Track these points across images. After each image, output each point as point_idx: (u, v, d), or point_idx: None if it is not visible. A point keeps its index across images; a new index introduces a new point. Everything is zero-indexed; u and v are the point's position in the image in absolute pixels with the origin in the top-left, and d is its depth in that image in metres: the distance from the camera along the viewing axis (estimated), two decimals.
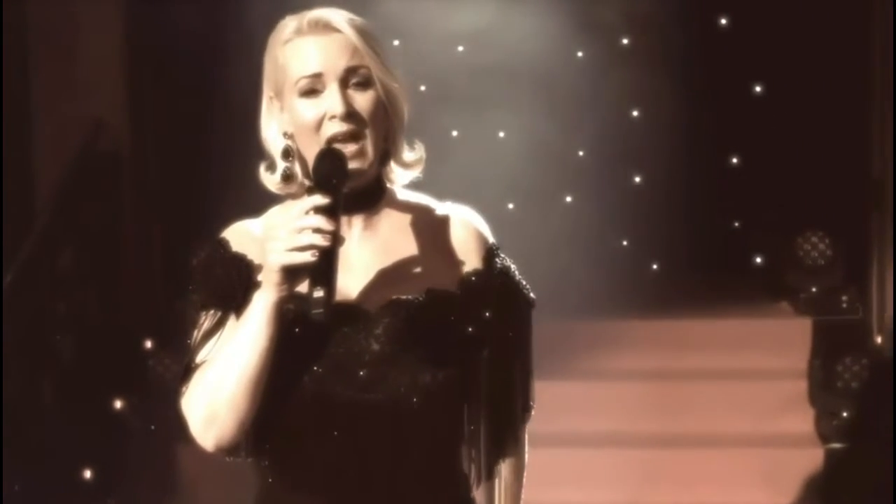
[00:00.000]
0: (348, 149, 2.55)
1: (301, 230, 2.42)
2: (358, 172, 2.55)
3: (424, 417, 2.54)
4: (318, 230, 2.42)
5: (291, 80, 2.55)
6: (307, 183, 2.58)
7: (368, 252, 2.60)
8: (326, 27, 2.57)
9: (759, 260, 6.70)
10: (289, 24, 2.59)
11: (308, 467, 2.55)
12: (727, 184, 6.90)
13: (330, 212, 2.45)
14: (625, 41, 6.98)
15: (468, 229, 2.68)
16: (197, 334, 2.56)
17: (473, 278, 2.62)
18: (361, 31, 2.60)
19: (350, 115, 2.54)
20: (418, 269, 2.59)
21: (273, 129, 2.61)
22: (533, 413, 2.69)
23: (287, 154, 2.58)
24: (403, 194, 2.68)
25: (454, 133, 6.75)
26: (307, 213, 2.44)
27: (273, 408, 2.53)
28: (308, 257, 2.41)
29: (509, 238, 6.63)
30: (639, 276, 6.89)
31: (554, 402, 5.95)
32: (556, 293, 6.26)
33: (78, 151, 6.02)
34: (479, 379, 2.62)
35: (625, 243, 7.03)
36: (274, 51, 2.58)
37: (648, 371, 6.19)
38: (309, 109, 2.54)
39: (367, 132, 2.56)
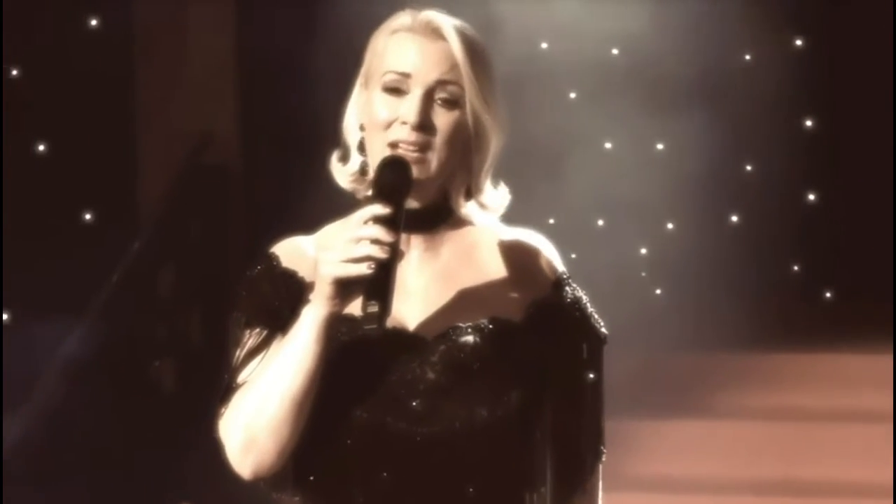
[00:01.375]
0: (410, 156, 2.46)
1: (358, 240, 2.35)
2: (416, 183, 2.46)
3: (481, 454, 2.44)
4: (376, 241, 2.35)
5: (381, 70, 2.48)
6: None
7: (427, 276, 2.51)
8: (435, 32, 2.49)
9: None
10: (402, 17, 2.51)
11: (354, 502, 2.45)
12: None
13: (390, 223, 2.38)
14: (798, 42, 6.54)
15: (536, 256, 2.56)
16: (239, 353, 2.47)
17: (540, 308, 2.51)
18: (470, 49, 2.49)
19: (423, 126, 2.46)
20: (480, 296, 2.50)
21: (353, 119, 2.54)
22: (605, 458, 2.54)
23: (364, 147, 2.51)
24: (468, 217, 2.57)
25: (607, 145, 6.40)
26: (366, 223, 2.36)
27: (319, 437, 2.44)
28: (364, 269, 2.34)
29: (668, 260, 6.34)
30: (810, 304, 6.48)
31: (698, 444, 5.67)
32: (717, 321, 5.91)
33: (184, 165, 5.96)
34: (542, 417, 2.50)
35: (795, 268, 6.60)
36: (379, 38, 2.51)
37: (812, 410, 5.79)
38: (385, 107, 2.47)
39: (436, 146, 2.46)
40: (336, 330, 2.40)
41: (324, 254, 2.37)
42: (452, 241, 2.53)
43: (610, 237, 6.18)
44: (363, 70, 2.52)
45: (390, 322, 2.37)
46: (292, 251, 2.52)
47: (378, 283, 2.34)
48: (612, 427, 2.60)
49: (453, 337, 2.45)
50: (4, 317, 5.46)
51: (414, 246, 2.50)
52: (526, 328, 2.48)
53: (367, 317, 2.33)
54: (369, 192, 2.48)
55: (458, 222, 2.54)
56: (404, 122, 2.45)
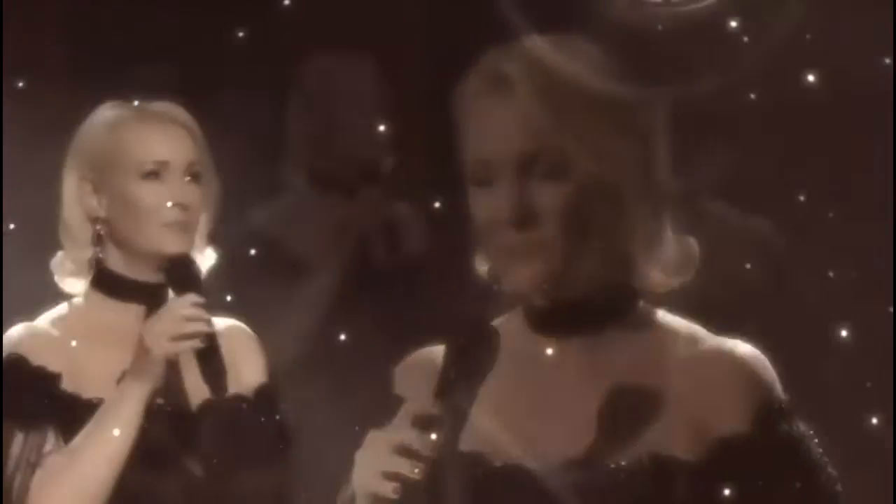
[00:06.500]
0: (526, 270, 2.09)
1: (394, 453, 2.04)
2: (545, 284, 2.12)
3: None
4: (413, 456, 2.05)
5: (470, 160, 2.15)
6: None
7: (568, 392, 2.16)
8: (501, 84, 2.10)
9: None
10: (471, 78, 2.16)
11: None
12: None
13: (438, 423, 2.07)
14: None
15: (738, 375, 2.12)
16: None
17: (732, 447, 2.09)
18: (541, 91, 2.08)
19: (528, 219, 2.10)
20: (643, 424, 2.11)
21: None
22: None
23: None
24: (654, 315, 2.20)
25: None
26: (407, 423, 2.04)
27: None
28: (390, 492, 2.03)
29: None
30: None
31: None
32: None
33: None
34: None
35: None
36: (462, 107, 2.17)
37: None
38: (477, 204, 2.14)
39: (556, 239, 2.10)
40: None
41: (361, 461, 2.03)
42: (618, 347, 2.18)
43: None
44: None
45: (506, 456, 2.12)
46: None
47: None
48: None
49: (589, 478, 2.11)
50: None
51: (566, 349, 2.17)
52: (703, 472, 2.08)
53: None
54: None
55: (635, 321, 2.19)
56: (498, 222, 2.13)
